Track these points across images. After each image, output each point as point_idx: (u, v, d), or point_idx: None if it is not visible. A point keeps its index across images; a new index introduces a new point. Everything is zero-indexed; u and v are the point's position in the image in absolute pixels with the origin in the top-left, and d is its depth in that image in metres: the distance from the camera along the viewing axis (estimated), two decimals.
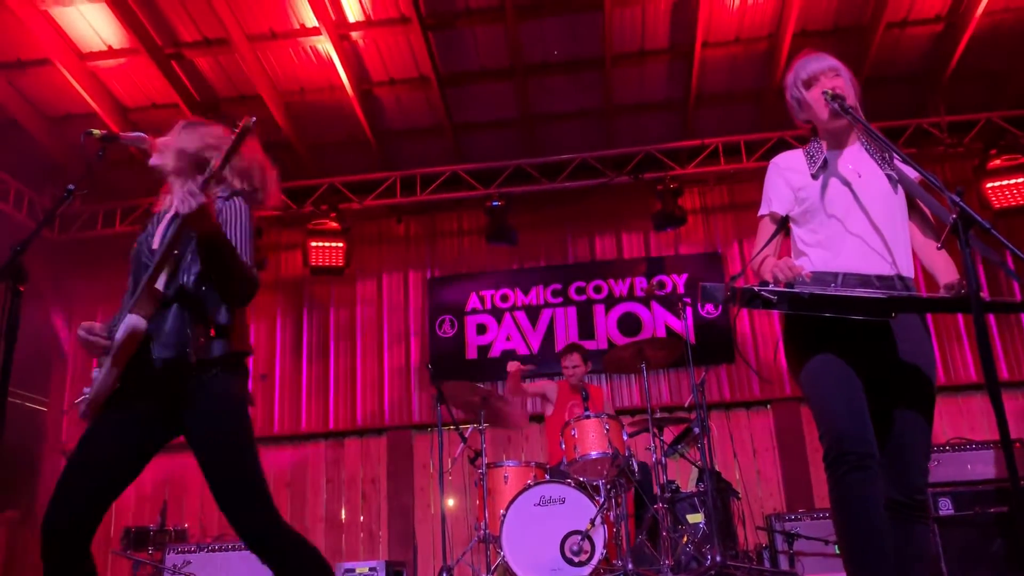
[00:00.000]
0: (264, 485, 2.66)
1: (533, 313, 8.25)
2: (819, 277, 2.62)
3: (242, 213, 2.82)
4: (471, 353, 8.19)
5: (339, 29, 6.85)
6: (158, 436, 2.65)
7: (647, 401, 5.41)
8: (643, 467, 5.66)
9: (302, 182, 8.07)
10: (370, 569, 6.01)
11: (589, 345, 7.74)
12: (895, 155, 2.66)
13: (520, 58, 7.21)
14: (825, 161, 2.77)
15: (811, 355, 2.61)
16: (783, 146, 7.37)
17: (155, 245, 2.74)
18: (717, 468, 5.96)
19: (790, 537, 5.46)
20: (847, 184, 2.70)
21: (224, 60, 7.13)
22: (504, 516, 4.99)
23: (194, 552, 5.96)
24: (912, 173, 2.69)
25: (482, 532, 5.24)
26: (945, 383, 7.42)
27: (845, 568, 2.49)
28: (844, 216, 2.67)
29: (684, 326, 5.67)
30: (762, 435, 7.79)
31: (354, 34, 6.94)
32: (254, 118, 2.65)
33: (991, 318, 7.67)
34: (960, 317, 7.73)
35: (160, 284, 2.58)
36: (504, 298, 8.32)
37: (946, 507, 4.92)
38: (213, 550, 5.90)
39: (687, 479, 6.46)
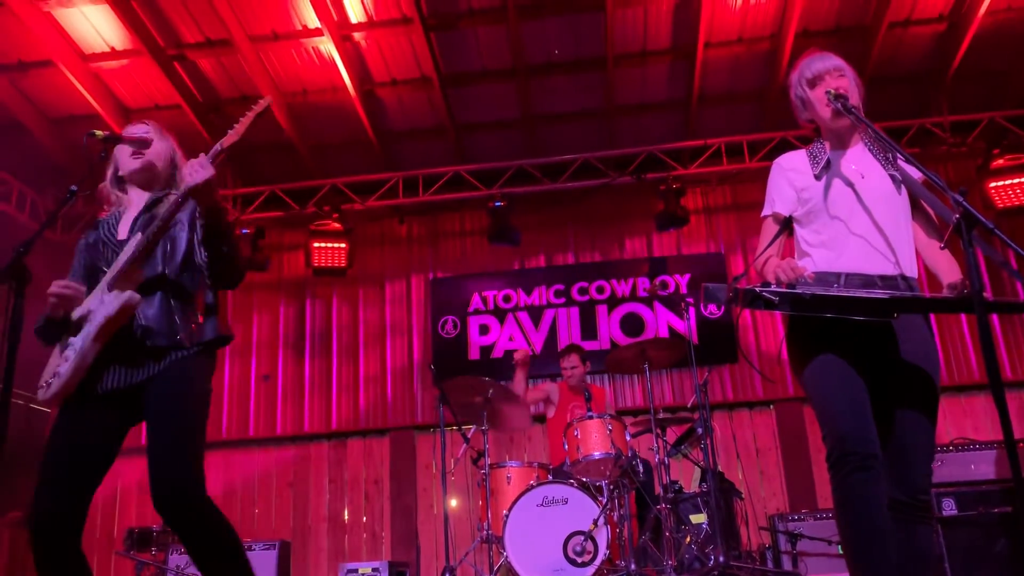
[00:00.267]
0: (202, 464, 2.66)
1: (536, 313, 8.24)
2: (822, 277, 2.62)
3: None
4: (474, 354, 8.19)
5: (341, 30, 6.86)
6: (127, 418, 2.70)
7: (650, 401, 5.40)
8: (646, 467, 5.66)
9: (304, 183, 8.08)
10: (373, 570, 6.02)
11: (592, 346, 7.74)
12: (898, 155, 2.66)
13: (522, 58, 7.21)
14: (828, 162, 2.76)
15: (814, 355, 2.61)
16: (786, 146, 7.37)
17: (122, 235, 2.80)
18: (720, 468, 5.95)
19: (793, 537, 5.45)
20: (850, 184, 2.70)
21: (226, 61, 7.14)
22: (507, 517, 4.99)
23: None
24: (915, 173, 2.69)
25: (485, 533, 5.24)
26: (948, 383, 7.41)
27: (848, 569, 2.49)
28: (847, 216, 2.67)
29: (687, 326, 5.67)
30: (765, 435, 7.78)
31: (356, 35, 6.95)
32: (270, 98, 2.71)
33: (994, 318, 7.66)
34: (964, 317, 7.72)
35: (144, 268, 2.67)
36: (507, 299, 8.32)
37: (949, 507, 4.90)
38: None
39: (690, 479, 6.46)
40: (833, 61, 2.76)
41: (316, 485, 8.13)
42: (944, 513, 4.88)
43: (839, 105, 2.63)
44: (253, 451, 8.23)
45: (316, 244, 7.93)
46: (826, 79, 2.72)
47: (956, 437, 5.87)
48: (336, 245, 7.96)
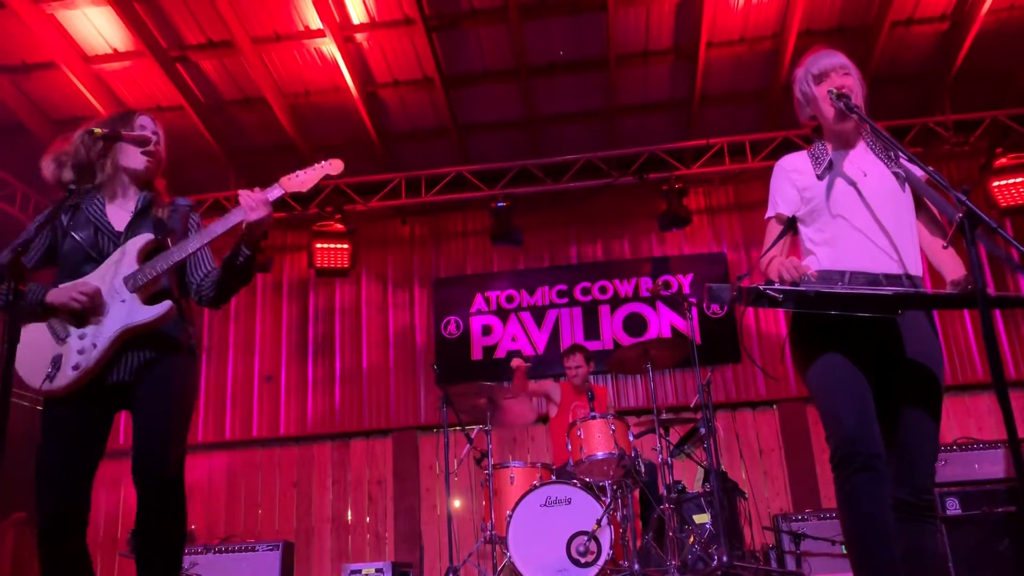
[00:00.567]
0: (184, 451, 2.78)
1: (538, 314, 8.24)
2: (826, 275, 2.62)
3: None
4: (476, 354, 8.19)
5: (343, 31, 6.86)
6: (112, 406, 2.77)
7: (653, 401, 5.40)
8: (649, 467, 5.65)
9: None
10: (376, 570, 6.01)
11: (595, 345, 7.74)
12: (900, 154, 2.66)
13: (524, 59, 7.21)
14: (831, 162, 2.76)
15: (818, 355, 2.61)
16: (788, 145, 7.37)
17: (117, 226, 2.82)
18: (723, 468, 5.95)
19: (797, 537, 5.45)
20: (853, 183, 2.70)
21: (229, 62, 7.14)
22: (510, 517, 4.99)
23: (201, 553, 5.98)
24: (918, 172, 2.69)
25: (488, 533, 5.24)
26: (952, 382, 7.40)
27: (852, 569, 2.49)
28: (850, 215, 2.67)
29: (689, 326, 5.67)
30: (768, 435, 7.77)
31: (358, 36, 6.95)
32: (342, 163, 2.93)
33: (998, 318, 7.65)
34: (967, 317, 7.72)
35: (166, 281, 2.76)
36: (509, 299, 8.32)
37: (953, 507, 4.90)
38: (220, 552, 5.91)
39: (693, 479, 6.45)
40: (839, 59, 2.76)
41: (319, 486, 8.13)
42: (948, 513, 4.88)
43: (842, 104, 2.63)
44: (256, 451, 8.23)
45: (319, 245, 7.93)
46: (832, 76, 2.72)
47: (960, 437, 5.87)
48: (339, 246, 7.96)
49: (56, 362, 2.64)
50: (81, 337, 2.65)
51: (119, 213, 2.85)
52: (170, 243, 2.81)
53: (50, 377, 2.63)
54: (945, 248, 2.61)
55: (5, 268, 2.56)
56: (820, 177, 2.75)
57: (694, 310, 5.83)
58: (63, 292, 2.67)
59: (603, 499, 5.01)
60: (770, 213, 2.90)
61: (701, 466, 5.90)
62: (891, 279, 2.58)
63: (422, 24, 6.74)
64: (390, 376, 8.31)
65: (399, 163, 8.27)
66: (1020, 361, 7.62)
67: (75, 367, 2.63)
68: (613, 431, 5.19)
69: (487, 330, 8.26)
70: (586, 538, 4.82)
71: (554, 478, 5.35)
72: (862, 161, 2.75)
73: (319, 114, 7.70)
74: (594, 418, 5.27)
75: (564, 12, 6.85)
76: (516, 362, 6.31)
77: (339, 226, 7.93)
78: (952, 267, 2.60)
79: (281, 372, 8.43)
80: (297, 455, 8.24)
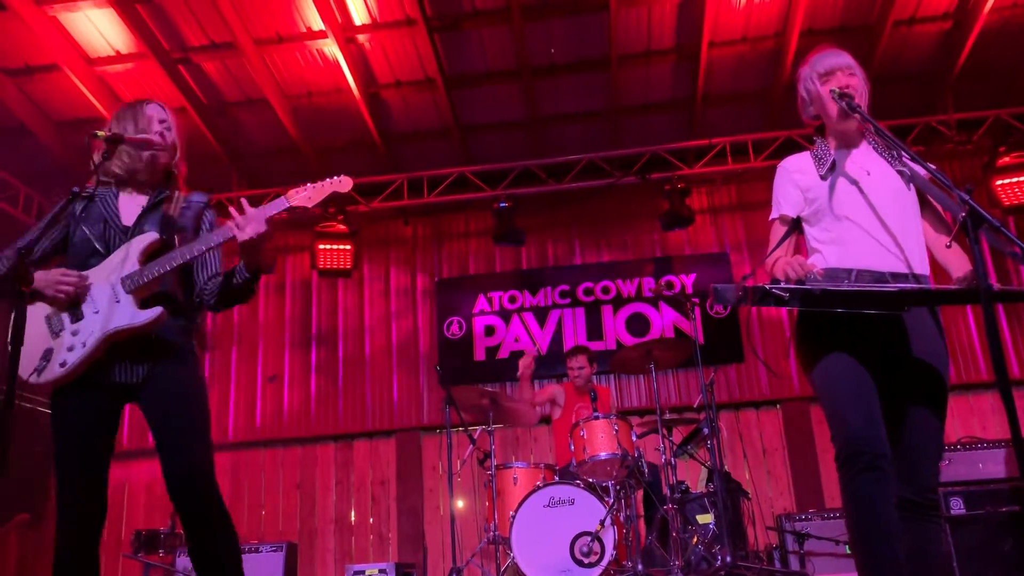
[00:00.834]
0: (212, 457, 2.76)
1: (541, 314, 8.24)
2: (832, 274, 2.61)
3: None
4: (479, 354, 8.19)
5: (345, 32, 6.86)
6: (120, 400, 2.75)
7: (656, 402, 5.40)
8: (652, 468, 5.65)
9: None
10: (380, 571, 6.02)
11: (597, 346, 7.73)
12: (903, 153, 2.65)
13: (526, 59, 7.21)
14: (834, 162, 2.76)
15: (824, 354, 2.60)
16: (791, 145, 7.36)
17: (126, 220, 2.81)
18: (727, 468, 5.94)
19: (800, 537, 5.45)
20: (857, 183, 2.70)
21: (231, 64, 7.15)
22: (513, 517, 4.99)
23: None
24: (921, 171, 2.68)
25: (492, 534, 5.24)
26: (956, 382, 7.39)
27: (857, 568, 2.49)
28: (855, 215, 2.66)
29: (692, 326, 5.66)
30: (772, 435, 7.77)
31: (360, 37, 6.95)
32: (351, 180, 2.90)
33: (1002, 318, 7.65)
34: (971, 316, 7.71)
35: (166, 281, 2.72)
36: (512, 299, 8.32)
37: (957, 506, 4.89)
38: None
39: (696, 480, 6.44)
40: (845, 58, 2.76)
41: (322, 486, 8.14)
42: (952, 512, 4.87)
43: (844, 104, 2.62)
44: (259, 452, 8.24)
45: (321, 246, 7.94)
46: (837, 75, 2.72)
47: (963, 436, 5.86)
48: (341, 247, 7.97)
49: (47, 355, 2.64)
50: (74, 334, 2.65)
51: (130, 207, 2.85)
52: (177, 242, 2.79)
53: (38, 370, 2.64)
54: (949, 247, 2.61)
55: (9, 270, 2.56)
56: (823, 177, 2.75)
57: (697, 310, 5.82)
58: (50, 278, 2.66)
59: (606, 499, 5.01)
60: (774, 215, 2.90)
61: (704, 466, 5.90)
62: (897, 277, 2.57)
63: (424, 25, 6.74)
64: (393, 377, 8.31)
65: (401, 164, 8.28)
66: None
67: (62, 364, 2.63)
68: (616, 431, 5.18)
69: (490, 331, 8.26)
70: (589, 539, 4.82)
71: (557, 479, 5.34)
72: (865, 161, 2.75)
73: (321, 115, 7.70)
74: (597, 418, 5.27)
75: (566, 12, 6.84)
76: (523, 366, 6.27)
77: (342, 227, 7.95)
78: (957, 264, 2.60)
79: (284, 373, 8.44)
80: (300, 456, 8.24)
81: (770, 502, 7.38)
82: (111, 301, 2.66)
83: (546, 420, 7.03)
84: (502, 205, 7.83)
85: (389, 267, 8.68)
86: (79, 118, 7.53)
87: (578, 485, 5.06)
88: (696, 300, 6.61)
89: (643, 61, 7.41)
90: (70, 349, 2.64)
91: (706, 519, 5.27)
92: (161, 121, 2.92)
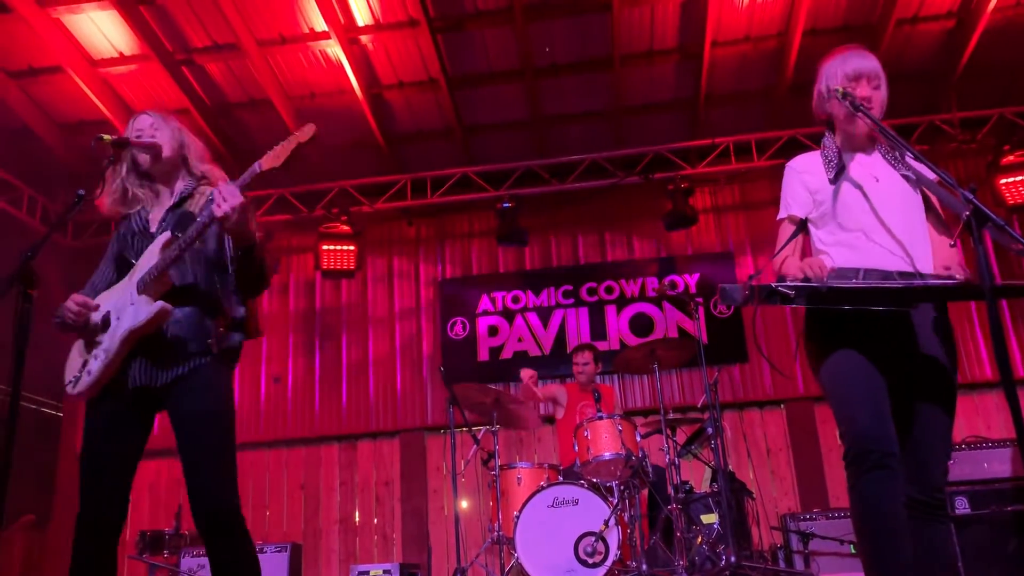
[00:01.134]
0: (236, 475, 2.72)
1: (544, 314, 8.24)
2: (840, 273, 2.60)
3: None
4: (483, 355, 8.19)
5: (348, 33, 6.87)
6: (152, 409, 2.75)
7: (660, 402, 5.40)
8: (656, 468, 5.64)
9: (313, 186, 8.09)
10: (384, 572, 6.02)
11: (601, 346, 7.72)
12: (909, 154, 2.64)
13: (529, 60, 7.21)
14: (842, 164, 2.74)
15: (832, 352, 2.59)
16: (794, 144, 7.35)
17: (154, 227, 2.82)
18: (731, 468, 5.94)
19: (805, 537, 5.43)
20: (865, 186, 2.68)
21: (234, 65, 7.16)
22: (518, 518, 4.99)
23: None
24: (927, 172, 2.67)
25: (496, 534, 5.24)
26: (960, 381, 7.27)
27: (863, 567, 2.48)
28: (862, 217, 2.65)
29: (696, 326, 5.65)
30: (776, 434, 7.75)
31: (363, 37, 6.96)
32: (314, 126, 2.80)
33: (1006, 316, 7.63)
34: (975, 315, 7.69)
35: (173, 275, 2.68)
36: (515, 300, 8.32)
37: (962, 506, 4.88)
38: None
39: (700, 479, 6.44)
40: (872, 63, 2.71)
41: (327, 487, 8.15)
42: (957, 512, 4.86)
43: (847, 104, 2.57)
44: (263, 453, 8.25)
45: (325, 247, 7.95)
46: (863, 83, 2.67)
47: (968, 435, 5.84)
48: (345, 247, 7.98)
49: (83, 367, 2.71)
50: (101, 343, 2.69)
51: (158, 212, 2.88)
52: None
53: (74, 382, 2.71)
54: (953, 246, 2.60)
55: (14, 273, 2.56)
56: (832, 180, 2.73)
57: (700, 310, 5.81)
58: (64, 305, 2.71)
59: (610, 500, 5.00)
60: (782, 215, 2.88)
61: (708, 466, 5.89)
62: (904, 276, 2.56)
63: (427, 25, 6.74)
64: (397, 377, 8.32)
65: (404, 164, 8.28)
66: None
67: (89, 372, 2.67)
68: (620, 431, 5.18)
69: (493, 331, 8.26)
70: (594, 539, 4.82)
71: (561, 479, 5.35)
72: (874, 163, 2.73)
73: (324, 116, 7.69)
74: (601, 419, 5.26)
75: (568, 12, 6.84)
76: (525, 374, 6.26)
77: (345, 228, 7.96)
78: (952, 263, 2.58)
79: (288, 373, 8.45)
80: (304, 456, 8.25)
81: (774, 502, 7.36)
82: (127, 305, 2.67)
83: (550, 420, 7.04)
84: (505, 205, 7.83)
85: (393, 268, 8.68)
86: (83, 120, 7.55)
87: (582, 485, 5.06)
88: (700, 300, 6.60)
89: (646, 61, 7.41)
90: (95, 358, 2.67)
91: (710, 519, 5.27)
92: (138, 131, 2.92)
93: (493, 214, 7.99)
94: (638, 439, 5.29)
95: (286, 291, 8.68)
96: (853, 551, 5.21)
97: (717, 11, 6.78)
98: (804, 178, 2.82)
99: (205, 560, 5.82)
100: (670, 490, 5.28)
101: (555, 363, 7.83)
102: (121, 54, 6.98)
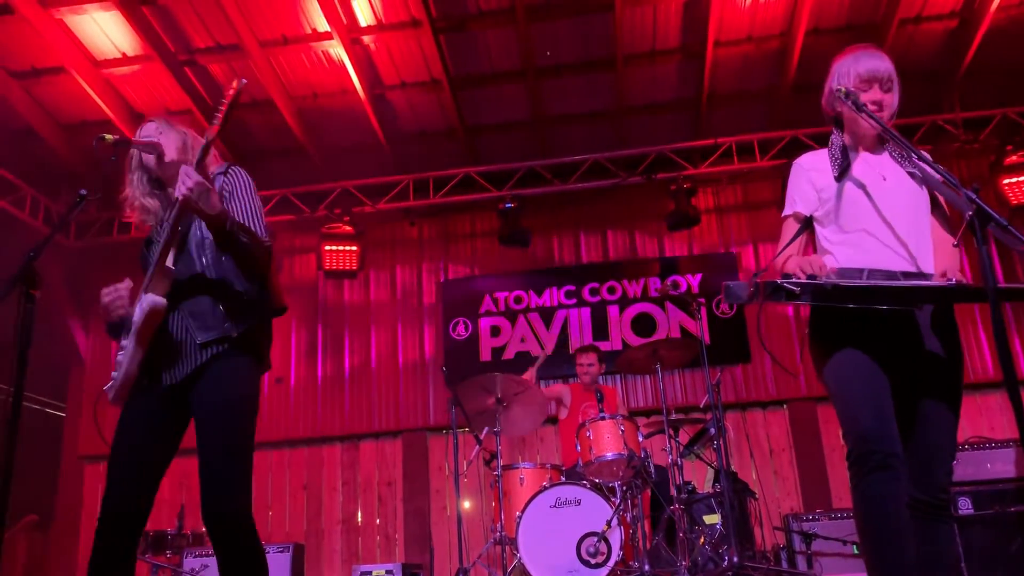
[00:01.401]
0: (251, 475, 2.67)
1: (547, 315, 8.24)
2: (845, 273, 2.59)
3: (245, 179, 2.90)
4: (485, 355, 8.19)
5: (351, 33, 6.87)
6: (183, 416, 2.72)
7: (662, 402, 5.39)
8: (659, 468, 5.64)
9: (315, 186, 8.10)
10: (387, 572, 6.02)
11: (604, 346, 7.72)
12: (913, 155, 2.63)
13: (531, 60, 7.21)
14: (847, 162, 2.73)
15: (836, 351, 2.58)
16: (797, 144, 7.34)
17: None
18: (733, 468, 5.93)
19: (808, 537, 5.43)
20: (871, 185, 2.67)
21: (237, 66, 7.16)
22: (520, 518, 4.99)
23: (212, 556, 5.98)
24: (931, 172, 2.66)
25: (498, 534, 5.24)
26: (964, 381, 7.34)
27: (866, 568, 2.47)
28: (868, 217, 2.64)
29: (698, 326, 5.65)
30: (778, 435, 7.75)
31: (366, 38, 6.96)
32: (244, 79, 2.75)
33: (1009, 317, 7.62)
34: (979, 316, 7.68)
35: (170, 262, 2.65)
36: (518, 300, 8.32)
37: (965, 506, 4.87)
38: None
39: (703, 480, 6.44)
40: (886, 64, 2.70)
41: (329, 487, 8.15)
42: (960, 512, 4.85)
43: (850, 103, 2.56)
44: (266, 453, 8.25)
45: (327, 247, 7.96)
46: (875, 87, 2.66)
47: (972, 436, 5.83)
48: (347, 248, 7.99)
49: (113, 374, 2.72)
50: (123, 348, 2.69)
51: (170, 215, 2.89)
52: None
53: (110, 390, 2.72)
54: (956, 246, 2.59)
55: (18, 273, 2.56)
56: (838, 178, 2.72)
57: (703, 310, 5.80)
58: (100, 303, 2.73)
59: (613, 500, 5.00)
60: (787, 211, 2.87)
61: (711, 466, 5.89)
62: (909, 276, 2.55)
63: (429, 26, 6.74)
64: (399, 377, 8.32)
65: (407, 165, 8.27)
66: None
67: (115, 377, 2.68)
68: (623, 432, 5.18)
69: (496, 331, 8.26)
70: (596, 539, 4.82)
71: (564, 479, 5.35)
72: (882, 162, 2.72)
73: (327, 116, 7.71)
74: (603, 419, 5.26)
75: (571, 12, 6.84)
76: (527, 375, 6.25)
77: (347, 228, 7.97)
78: (951, 264, 2.58)
79: (290, 374, 8.45)
80: (307, 457, 8.26)
81: (777, 502, 7.36)
82: (136, 306, 2.67)
83: (552, 420, 7.04)
84: (508, 206, 7.84)
85: (395, 268, 8.69)
86: (85, 120, 7.55)
87: (584, 486, 5.05)
88: (702, 300, 6.60)
89: (648, 61, 7.40)
90: (119, 364, 2.68)
91: (713, 519, 5.27)
92: (145, 136, 2.95)
93: (495, 214, 8.00)
94: (640, 439, 5.29)
95: (288, 292, 8.57)
96: (856, 552, 5.20)
97: (719, 11, 6.78)
98: (811, 175, 2.81)
99: (208, 560, 5.84)
100: (673, 490, 5.28)
101: (558, 363, 7.83)
102: (124, 55, 6.99)
